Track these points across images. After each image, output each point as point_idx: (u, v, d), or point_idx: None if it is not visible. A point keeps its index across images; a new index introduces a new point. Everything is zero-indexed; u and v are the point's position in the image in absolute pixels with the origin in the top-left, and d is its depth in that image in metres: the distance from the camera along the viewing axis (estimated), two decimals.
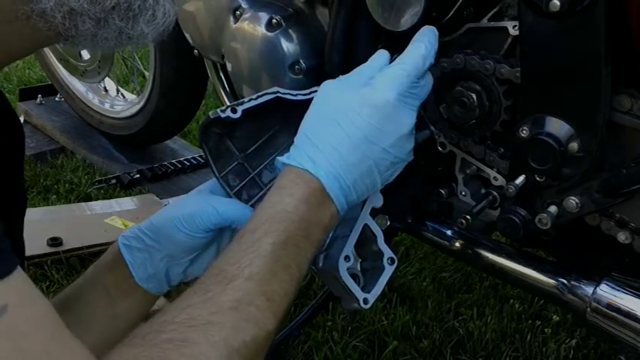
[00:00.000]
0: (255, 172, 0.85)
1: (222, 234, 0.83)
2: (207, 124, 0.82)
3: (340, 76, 0.80)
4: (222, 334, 0.59)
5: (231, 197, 0.84)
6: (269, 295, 0.64)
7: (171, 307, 0.62)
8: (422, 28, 0.82)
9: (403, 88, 0.75)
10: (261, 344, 0.62)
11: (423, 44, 0.79)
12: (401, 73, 0.76)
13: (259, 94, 0.81)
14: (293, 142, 0.86)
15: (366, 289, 0.78)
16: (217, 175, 0.84)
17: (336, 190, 0.72)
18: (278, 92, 0.81)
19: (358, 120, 0.72)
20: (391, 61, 0.80)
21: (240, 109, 0.79)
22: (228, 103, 0.81)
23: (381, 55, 0.81)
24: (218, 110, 0.79)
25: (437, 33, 0.82)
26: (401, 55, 0.79)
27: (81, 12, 0.59)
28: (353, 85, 0.76)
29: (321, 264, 0.79)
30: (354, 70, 0.80)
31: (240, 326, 0.60)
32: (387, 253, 0.80)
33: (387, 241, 0.81)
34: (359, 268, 0.81)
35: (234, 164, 0.85)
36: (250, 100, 0.80)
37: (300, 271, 0.68)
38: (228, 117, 0.79)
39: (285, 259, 0.67)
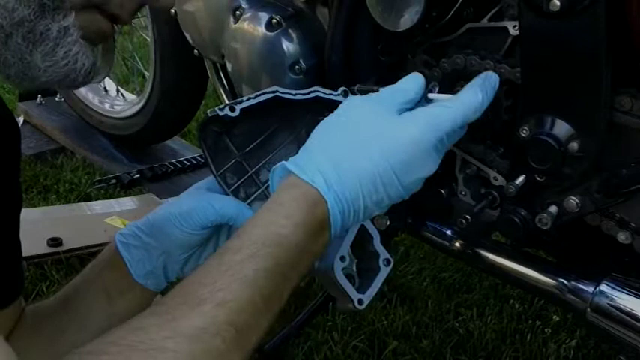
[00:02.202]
0: (253, 170, 0.85)
1: (219, 231, 0.83)
2: (206, 122, 0.82)
3: (370, 93, 0.73)
4: None
5: (228, 195, 0.84)
6: (239, 326, 0.56)
7: (122, 326, 0.55)
8: (486, 74, 0.77)
9: (443, 135, 0.69)
10: None
11: (481, 95, 0.73)
12: (447, 120, 0.70)
13: (258, 92, 0.81)
14: (291, 141, 0.85)
15: (361, 289, 0.78)
16: (215, 172, 0.84)
17: (338, 220, 0.65)
18: (277, 91, 0.81)
19: (391, 151, 0.67)
20: (428, 89, 0.74)
21: (238, 107, 0.79)
22: None
23: (416, 80, 0.74)
24: (216, 108, 0.80)
25: (498, 84, 0.76)
26: (454, 98, 0.73)
27: None
28: (388, 110, 0.70)
29: (316, 264, 0.78)
30: (384, 90, 0.73)
31: (199, 358, 0.53)
32: (383, 254, 0.80)
33: (385, 242, 0.81)
34: (354, 268, 0.80)
35: (232, 162, 0.85)
36: (249, 98, 0.80)
37: (280, 304, 0.62)
38: (226, 115, 0.79)
39: (267, 289, 0.59)
